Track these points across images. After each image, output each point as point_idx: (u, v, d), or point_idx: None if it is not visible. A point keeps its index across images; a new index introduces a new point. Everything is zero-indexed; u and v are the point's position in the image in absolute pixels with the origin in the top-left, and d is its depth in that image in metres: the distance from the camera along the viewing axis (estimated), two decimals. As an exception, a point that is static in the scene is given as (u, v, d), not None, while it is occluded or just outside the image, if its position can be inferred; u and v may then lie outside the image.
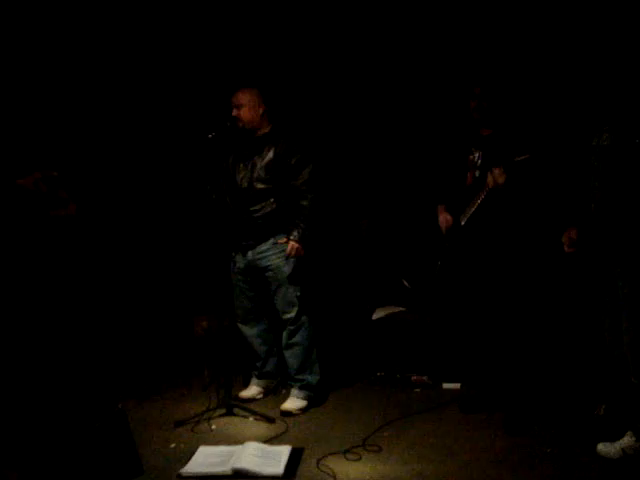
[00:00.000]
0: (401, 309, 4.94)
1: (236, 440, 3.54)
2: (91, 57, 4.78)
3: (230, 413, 3.91)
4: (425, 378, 4.44)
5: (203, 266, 4.85)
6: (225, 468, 3.15)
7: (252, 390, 4.28)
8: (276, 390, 4.35)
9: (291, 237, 3.94)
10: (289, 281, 3.99)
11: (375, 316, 4.87)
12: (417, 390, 4.36)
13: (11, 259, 3.97)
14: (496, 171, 3.50)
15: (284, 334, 4.08)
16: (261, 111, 4.00)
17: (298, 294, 4.02)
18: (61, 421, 3.24)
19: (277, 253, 3.99)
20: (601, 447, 3.27)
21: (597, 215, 3.03)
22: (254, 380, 4.32)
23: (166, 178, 5.08)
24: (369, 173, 5.13)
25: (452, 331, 4.27)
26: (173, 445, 3.53)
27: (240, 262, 4.08)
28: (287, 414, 3.95)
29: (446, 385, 4.38)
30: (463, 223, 3.73)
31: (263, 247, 3.99)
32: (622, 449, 3.21)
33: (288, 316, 4.02)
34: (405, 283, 4.84)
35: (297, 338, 4.05)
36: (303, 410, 4.01)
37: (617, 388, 3.37)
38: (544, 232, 3.69)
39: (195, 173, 4.29)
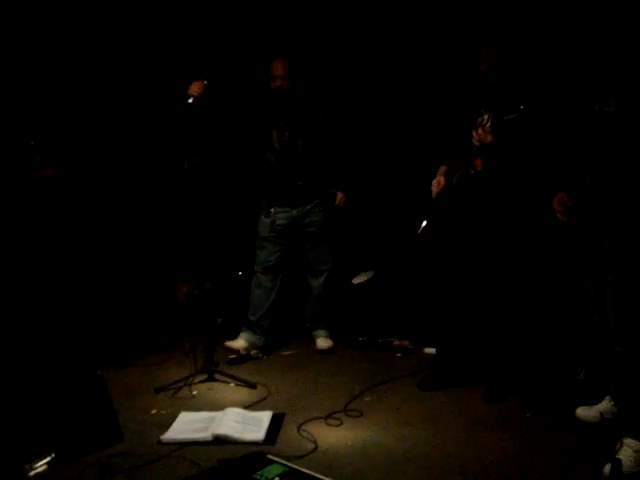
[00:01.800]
0: (384, 273, 4.93)
1: (217, 406, 3.53)
2: (77, 27, 4.68)
3: (211, 379, 3.90)
4: (407, 343, 4.45)
5: (185, 231, 4.82)
6: (206, 434, 3.14)
7: (239, 342, 4.29)
8: (263, 349, 4.39)
9: (338, 189, 4.42)
10: (328, 236, 4.38)
11: (356, 280, 4.86)
12: (399, 355, 4.38)
13: None
14: (483, 130, 3.43)
15: (317, 283, 4.43)
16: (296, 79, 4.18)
17: (331, 249, 4.42)
18: (40, 387, 3.22)
19: (321, 210, 4.34)
20: (580, 411, 3.31)
21: (595, 180, 2.94)
22: (243, 333, 4.35)
23: (147, 143, 5.01)
24: (359, 133, 5.05)
25: (430, 295, 4.23)
26: (154, 411, 3.52)
27: (282, 219, 4.29)
28: (326, 352, 4.40)
29: (427, 350, 4.38)
30: (453, 184, 3.67)
31: (309, 206, 4.30)
32: (600, 413, 3.24)
33: (325, 267, 4.41)
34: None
35: (327, 288, 4.44)
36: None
37: (597, 353, 3.39)
38: (531, 194, 3.63)
39: (176, 138, 4.22)
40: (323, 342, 4.47)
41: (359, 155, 4.74)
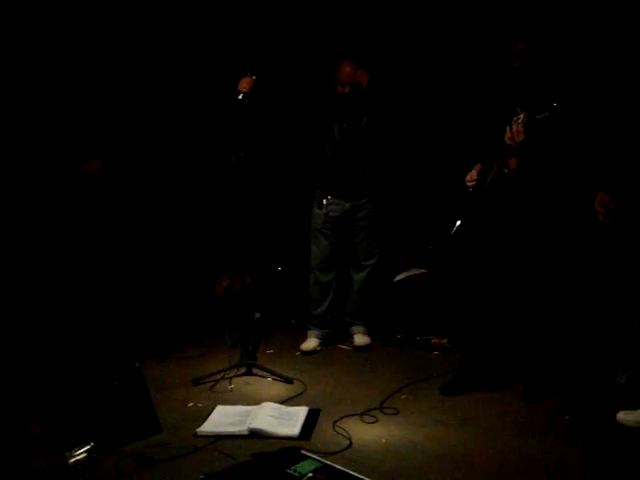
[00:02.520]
0: (422, 271, 4.90)
1: (254, 400, 3.56)
2: (128, 20, 4.76)
3: (249, 373, 3.93)
4: (444, 341, 4.41)
5: (228, 225, 4.86)
6: (242, 428, 3.17)
7: (312, 342, 4.42)
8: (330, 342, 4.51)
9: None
10: (377, 232, 4.42)
11: (396, 278, 4.84)
12: (436, 353, 4.35)
13: (45, 207, 4.11)
14: (514, 128, 3.37)
15: (360, 278, 4.46)
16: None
17: (378, 244, 4.45)
18: (81, 378, 3.28)
19: (373, 205, 4.38)
20: (621, 415, 3.24)
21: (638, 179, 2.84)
22: (312, 332, 4.46)
23: (196, 137, 5.08)
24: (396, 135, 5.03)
25: (460, 295, 4.14)
26: (191, 404, 3.56)
27: (335, 211, 4.33)
28: (364, 348, 4.41)
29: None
30: (487, 183, 3.62)
31: (362, 200, 4.34)
32: (642, 418, 3.18)
33: (370, 262, 4.44)
34: (430, 247, 4.79)
35: (369, 283, 4.46)
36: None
37: (639, 357, 3.31)
38: (569, 193, 3.56)
39: (225, 133, 4.26)
40: (361, 338, 4.47)
41: (399, 153, 4.73)
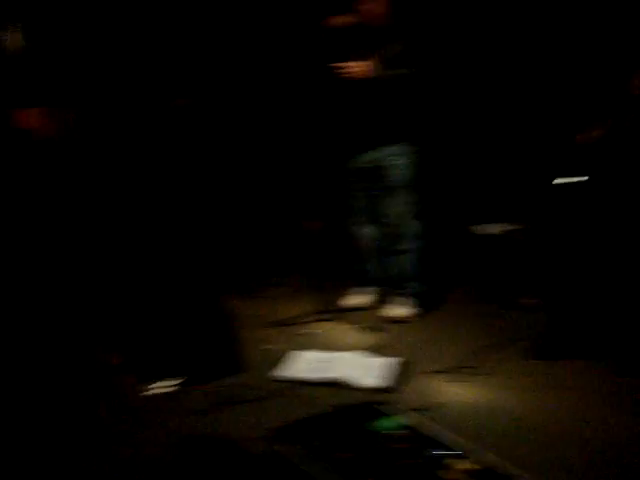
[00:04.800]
0: (518, 226, 4.67)
1: (334, 347, 3.49)
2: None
3: (329, 319, 3.85)
4: (536, 301, 4.19)
5: (314, 168, 4.73)
6: (322, 375, 3.12)
7: (358, 298, 4.14)
8: (382, 299, 4.21)
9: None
10: (410, 185, 3.88)
11: (490, 231, 4.63)
12: (528, 313, 4.11)
13: None
14: None
15: (394, 239, 3.97)
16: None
17: (414, 200, 3.92)
18: (166, 311, 3.27)
19: (406, 155, 3.85)
20: None
21: None
22: (359, 288, 4.18)
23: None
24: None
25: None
26: (270, 346, 3.52)
27: (364, 162, 3.92)
28: (396, 320, 3.93)
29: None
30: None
31: (394, 147, 3.84)
32: None
33: (402, 221, 3.92)
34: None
35: (410, 244, 3.94)
36: (411, 317, 3.95)
37: None
38: None
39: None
40: (397, 309, 4.01)
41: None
